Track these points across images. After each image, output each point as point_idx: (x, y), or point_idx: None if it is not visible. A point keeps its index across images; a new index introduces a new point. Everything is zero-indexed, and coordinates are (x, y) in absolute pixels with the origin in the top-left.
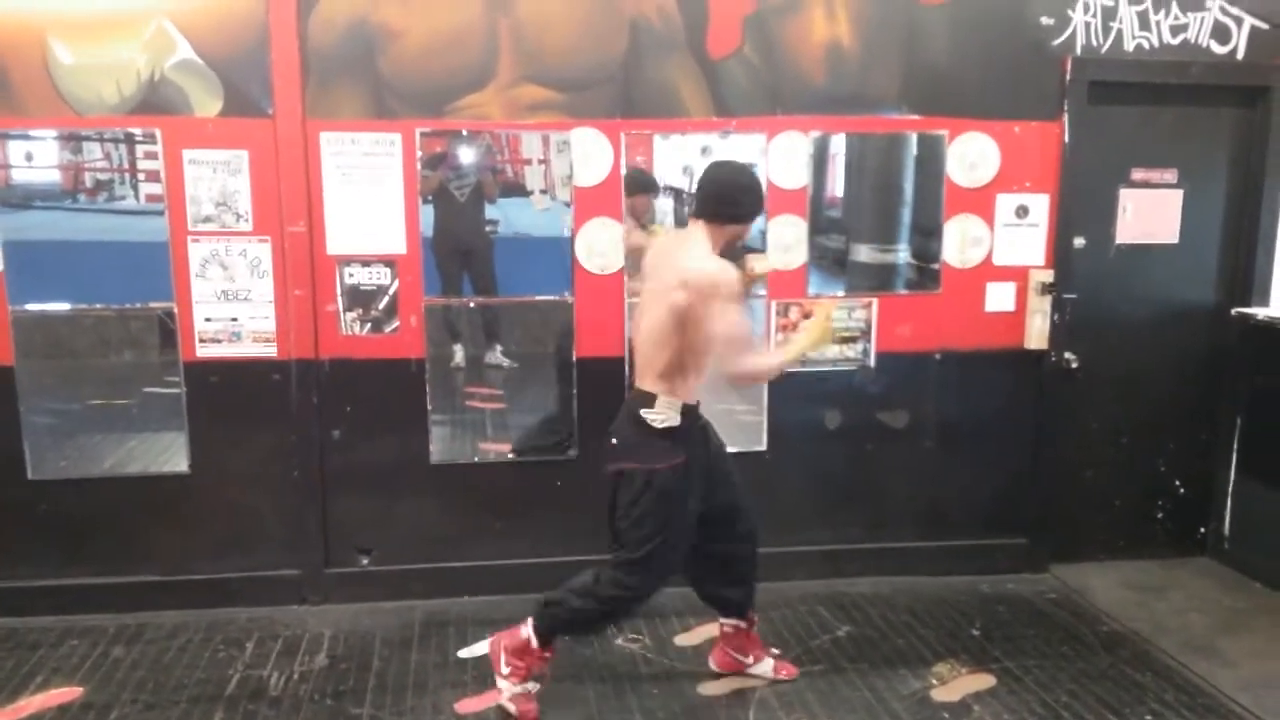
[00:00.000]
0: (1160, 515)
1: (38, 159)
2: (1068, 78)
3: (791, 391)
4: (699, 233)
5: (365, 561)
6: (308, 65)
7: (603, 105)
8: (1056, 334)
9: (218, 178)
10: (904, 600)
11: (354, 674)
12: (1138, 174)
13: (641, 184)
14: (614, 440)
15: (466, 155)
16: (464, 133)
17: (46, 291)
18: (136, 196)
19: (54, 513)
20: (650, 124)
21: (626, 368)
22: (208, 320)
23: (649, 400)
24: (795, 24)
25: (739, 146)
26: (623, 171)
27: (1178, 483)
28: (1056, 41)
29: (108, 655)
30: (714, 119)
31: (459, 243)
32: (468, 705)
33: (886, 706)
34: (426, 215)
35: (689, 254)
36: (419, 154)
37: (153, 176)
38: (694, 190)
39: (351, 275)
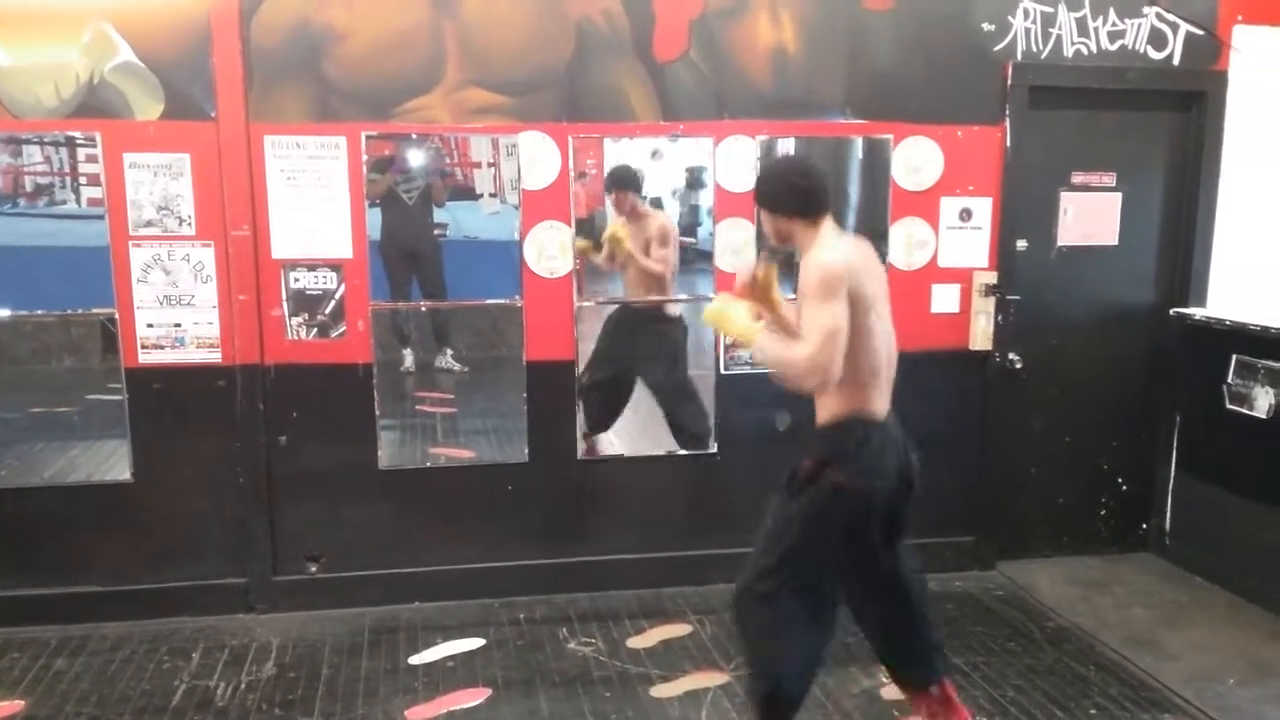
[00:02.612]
0: (1103, 512)
1: None
2: (1009, 83)
3: (739, 393)
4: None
5: (313, 569)
6: (251, 68)
7: (550, 109)
8: (1000, 335)
9: (159, 181)
10: None
11: (303, 683)
12: (1078, 177)
13: (622, 180)
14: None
15: (415, 158)
16: (413, 136)
17: None
18: (78, 200)
19: None
20: (598, 127)
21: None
22: (150, 326)
23: None
24: (741, 29)
25: (686, 150)
26: (571, 174)
27: (1119, 480)
28: (998, 47)
29: (50, 668)
30: (661, 123)
31: (407, 246)
32: (418, 712)
33: (836, 704)
34: (374, 219)
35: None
36: (365, 157)
37: (94, 180)
38: (812, 189)
39: (297, 280)
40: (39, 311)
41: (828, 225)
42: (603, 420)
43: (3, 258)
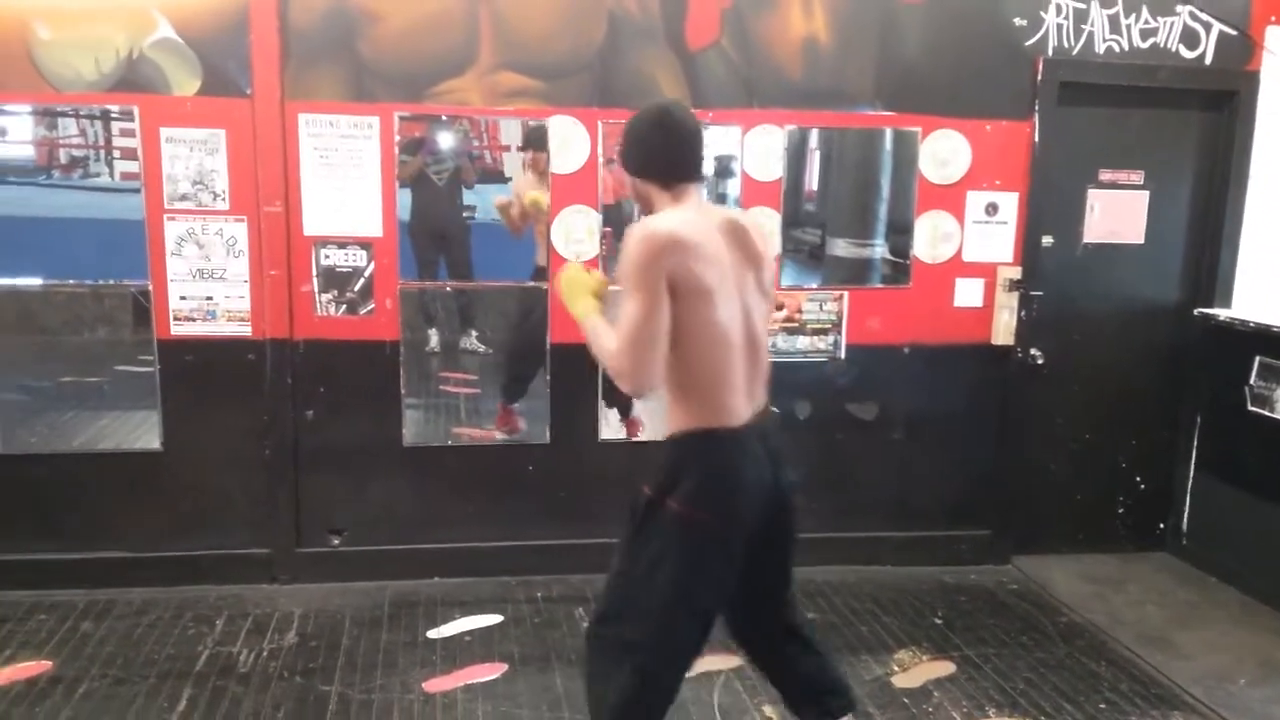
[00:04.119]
0: (1121, 510)
1: (13, 134)
2: (1039, 78)
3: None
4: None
5: (336, 542)
6: (288, 46)
7: (581, 94)
8: (1023, 330)
9: (195, 156)
10: (868, 589)
11: (323, 652)
12: (1105, 174)
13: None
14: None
15: (445, 141)
16: (443, 118)
17: (19, 267)
18: (112, 174)
19: (24, 488)
20: (627, 113)
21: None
22: (182, 299)
23: None
24: (773, 19)
25: (716, 139)
26: (600, 160)
27: (1138, 479)
28: (1029, 42)
29: (77, 630)
30: (691, 109)
31: (436, 227)
32: (436, 684)
33: None
34: (404, 199)
35: (737, 213)
36: (397, 137)
37: (128, 154)
38: (700, 150)
39: (327, 257)
40: (71, 281)
41: (693, 197)
42: (626, 403)
43: (37, 228)
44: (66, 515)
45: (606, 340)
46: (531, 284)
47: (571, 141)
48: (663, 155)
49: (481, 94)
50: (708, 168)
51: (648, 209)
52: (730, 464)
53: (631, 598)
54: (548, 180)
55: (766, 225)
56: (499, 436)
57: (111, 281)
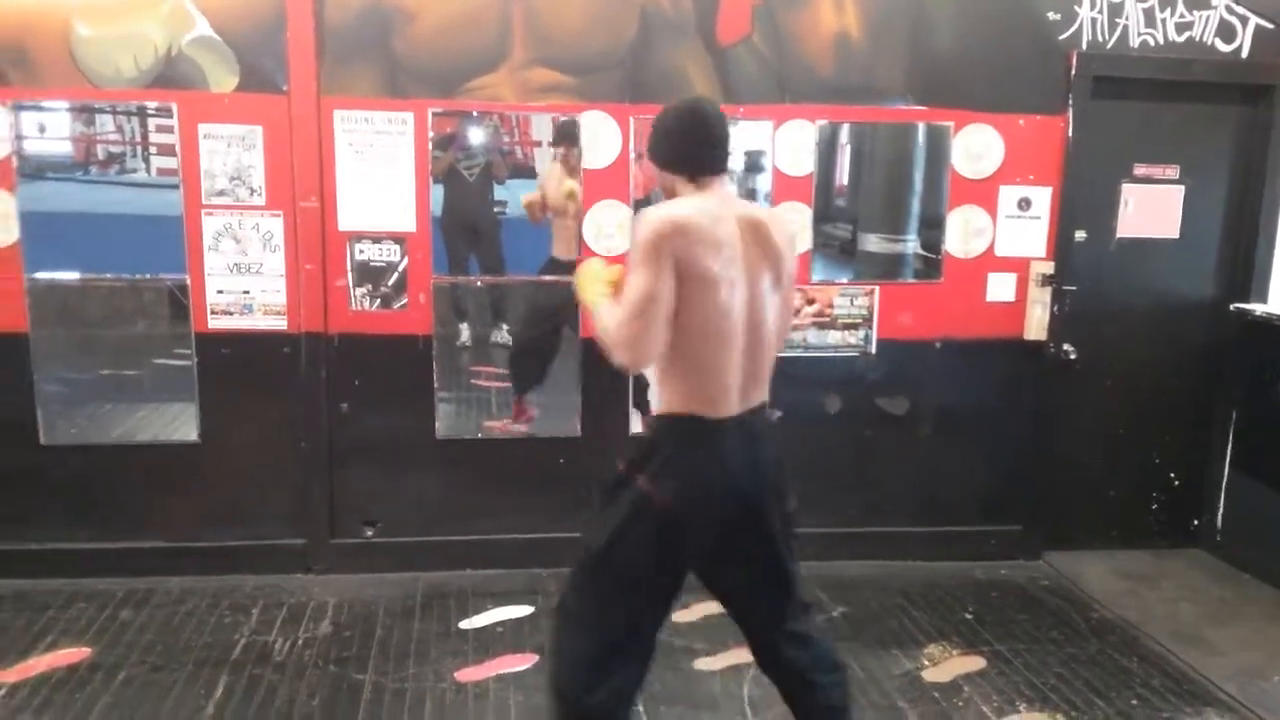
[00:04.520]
0: (1154, 506)
1: (52, 130)
2: (1073, 72)
3: (794, 375)
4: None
5: (370, 533)
6: (323, 43)
7: (612, 89)
8: (1055, 325)
9: (232, 152)
10: (898, 584)
11: (357, 641)
12: (1140, 169)
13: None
14: (780, 476)
15: (476, 136)
16: (474, 114)
17: (60, 261)
18: (149, 169)
19: (65, 478)
20: (658, 108)
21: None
22: (220, 293)
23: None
24: (804, 13)
25: (747, 134)
26: (632, 155)
27: (1172, 475)
28: (1063, 36)
29: (116, 618)
30: (721, 105)
31: (468, 222)
32: (468, 674)
33: (878, 686)
34: (437, 194)
35: (761, 210)
36: (431, 133)
37: (166, 150)
38: (723, 144)
39: (361, 251)
40: (109, 276)
41: (716, 190)
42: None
43: (75, 223)
44: (106, 505)
45: (609, 317)
46: (548, 278)
47: (603, 137)
48: (687, 149)
49: (514, 90)
50: (737, 163)
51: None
52: (702, 454)
53: (590, 570)
54: (578, 175)
55: (789, 223)
56: (519, 429)
57: (149, 276)
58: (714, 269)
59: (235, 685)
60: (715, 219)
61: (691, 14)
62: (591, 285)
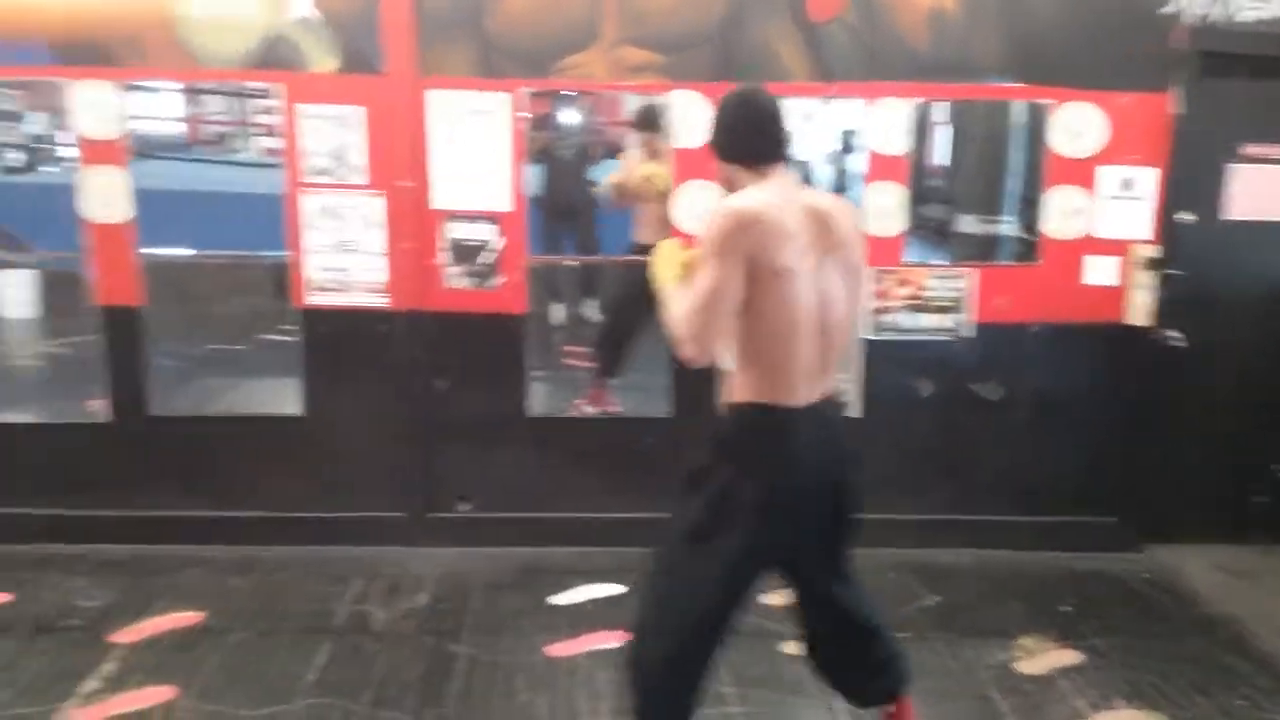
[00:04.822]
0: (1261, 500)
1: (162, 111)
2: (1179, 48)
3: (886, 359)
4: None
5: (465, 508)
6: (420, 25)
7: (703, 67)
8: (1160, 310)
9: (333, 132)
10: (994, 573)
11: (452, 614)
12: (1250, 149)
13: (652, 122)
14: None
15: (571, 117)
16: (571, 94)
17: (171, 237)
18: (254, 149)
19: (175, 448)
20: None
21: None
22: (321, 270)
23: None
24: None
25: (837, 112)
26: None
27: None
28: (1169, 10)
29: (225, 584)
30: (814, 83)
31: (563, 202)
32: (558, 649)
33: (971, 675)
34: (533, 174)
35: (825, 197)
36: (524, 113)
37: (269, 130)
38: (781, 132)
39: (457, 230)
40: (216, 252)
41: (777, 180)
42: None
43: (185, 201)
44: (214, 475)
45: (676, 306)
46: (635, 260)
47: (693, 116)
48: (747, 139)
49: (605, 69)
50: (831, 142)
51: (734, 192)
52: (782, 441)
53: (671, 559)
54: (663, 160)
55: (853, 211)
56: (601, 409)
57: (255, 253)
58: (785, 261)
59: (336, 652)
60: (782, 209)
61: None
62: (666, 268)
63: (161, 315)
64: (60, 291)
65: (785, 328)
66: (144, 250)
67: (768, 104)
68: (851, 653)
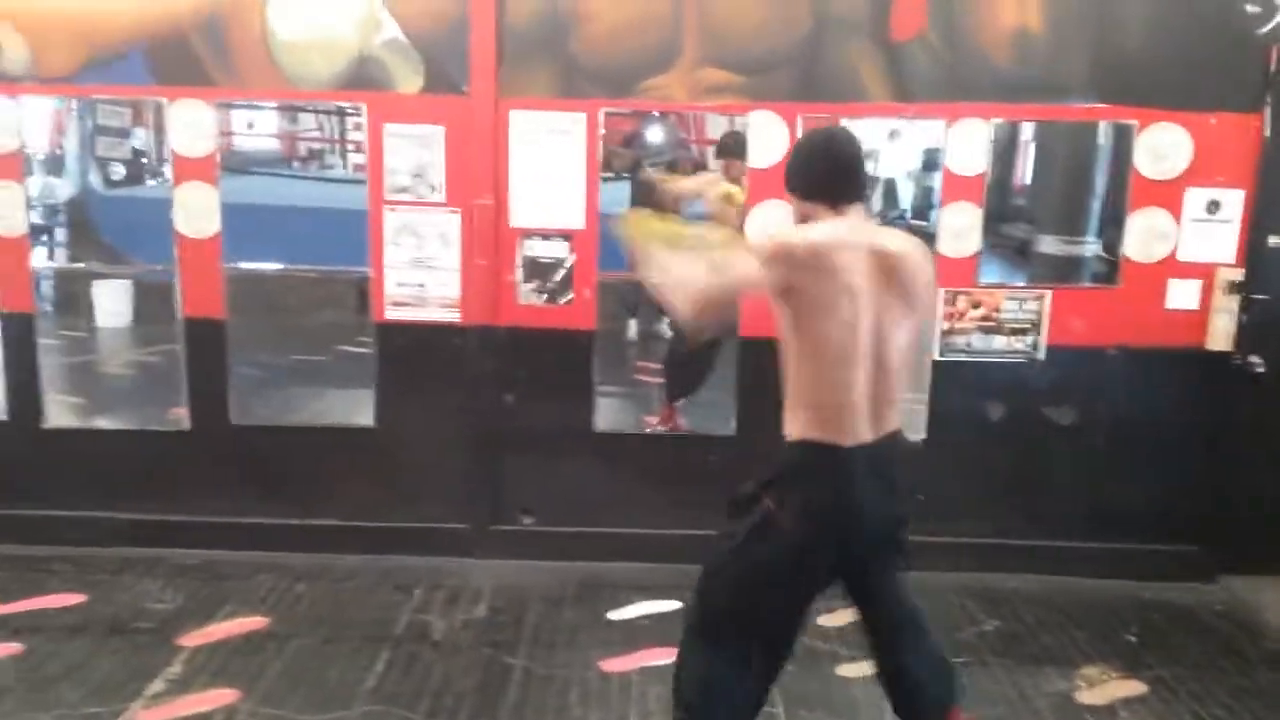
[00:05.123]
0: None
1: (257, 128)
2: (1272, 68)
3: (956, 381)
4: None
5: (528, 521)
6: (503, 46)
7: (782, 88)
8: (1242, 335)
9: (414, 151)
10: (1058, 600)
11: (510, 626)
12: None
13: (736, 148)
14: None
15: (657, 134)
16: (651, 113)
17: (257, 251)
18: (345, 166)
19: (251, 456)
20: (827, 107)
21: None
22: (399, 285)
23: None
24: (982, 7)
25: (918, 132)
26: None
27: None
28: (1262, 30)
29: (291, 590)
30: (893, 103)
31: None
32: (613, 664)
33: (1029, 704)
34: (613, 192)
35: (898, 238)
36: (602, 131)
37: (360, 148)
38: (857, 174)
39: (531, 248)
40: (300, 266)
41: (850, 218)
42: (675, 391)
43: (278, 216)
44: (287, 483)
45: (690, 274)
46: None
47: (770, 136)
48: (822, 178)
49: (685, 90)
50: (913, 162)
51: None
52: (826, 483)
53: (712, 585)
54: (743, 185)
55: (925, 254)
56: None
57: (338, 267)
58: (832, 296)
59: (395, 660)
60: (838, 246)
61: (865, 9)
62: (639, 233)
63: (245, 327)
64: (155, 301)
65: (832, 364)
66: (232, 264)
67: (847, 145)
68: (904, 660)
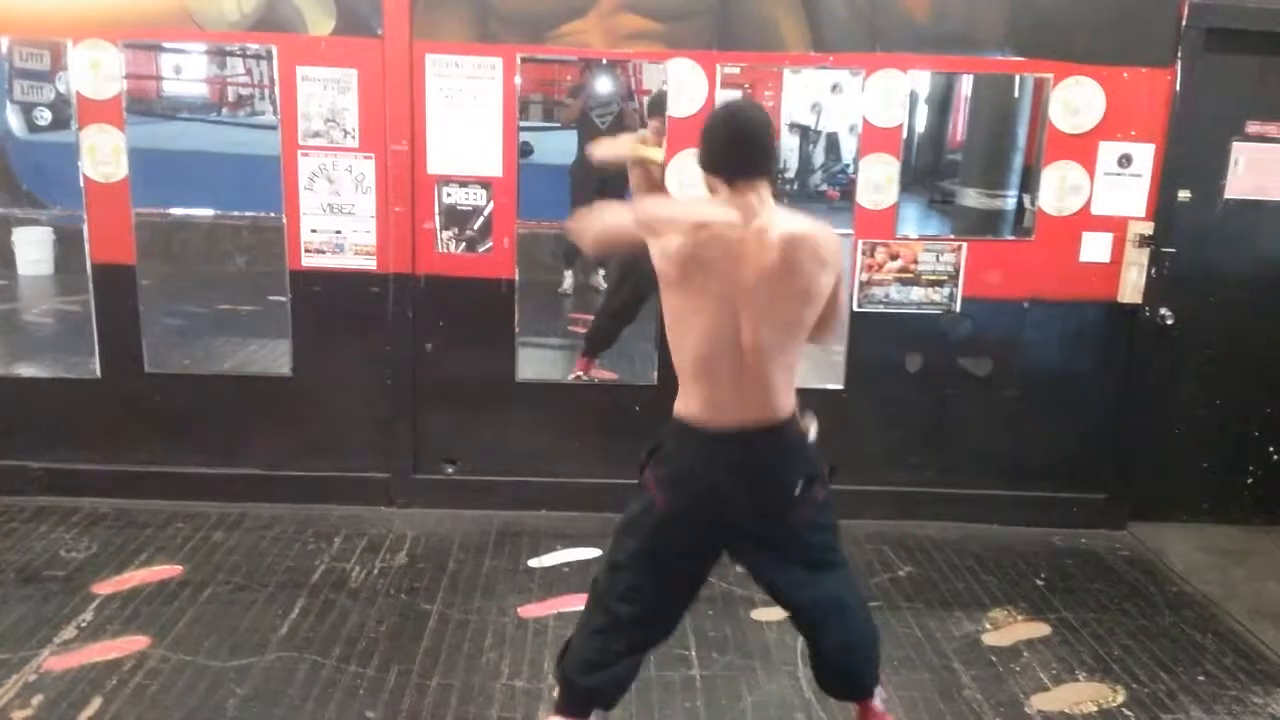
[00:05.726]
0: (1249, 481)
1: (183, 73)
2: (1184, 23)
3: (874, 331)
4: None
5: (450, 470)
6: None
7: (700, 36)
8: (1153, 288)
9: (328, 95)
10: (971, 546)
11: (429, 573)
12: (1253, 127)
13: (664, 106)
14: (799, 485)
15: (605, 85)
16: (565, 59)
17: (165, 197)
18: (276, 111)
19: (166, 405)
20: (746, 56)
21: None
22: (313, 231)
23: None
24: None
25: (835, 83)
26: (717, 104)
27: (1271, 449)
28: None
29: (208, 539)
30: (811, 54)
31: (597, 170)
32: (530, 610)
33: (935, 646)
34: (554, 141)
35: (798, 223)
36: (518, 79)
37: (263, 91)
38: (758, 152)
39: (449, 195)
40: (209, 211)
41: (750, 197)
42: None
43: (202, 162)
44: (204, 432)
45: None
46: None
47: (689, 85)
48: (724, 152)
49: (602, 36)
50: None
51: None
52: (682, 458)
53: (609, 551)
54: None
55: (831, 239)
56: (596, 376)
57: (256, 213)
58: (692, 277)
59: (310, 608)
60: (730, 229)
61: None
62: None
63: (154, 274)
64: (78, 250)
65: (695, 344)
66: (156, 210)
67: (751, 121)
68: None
